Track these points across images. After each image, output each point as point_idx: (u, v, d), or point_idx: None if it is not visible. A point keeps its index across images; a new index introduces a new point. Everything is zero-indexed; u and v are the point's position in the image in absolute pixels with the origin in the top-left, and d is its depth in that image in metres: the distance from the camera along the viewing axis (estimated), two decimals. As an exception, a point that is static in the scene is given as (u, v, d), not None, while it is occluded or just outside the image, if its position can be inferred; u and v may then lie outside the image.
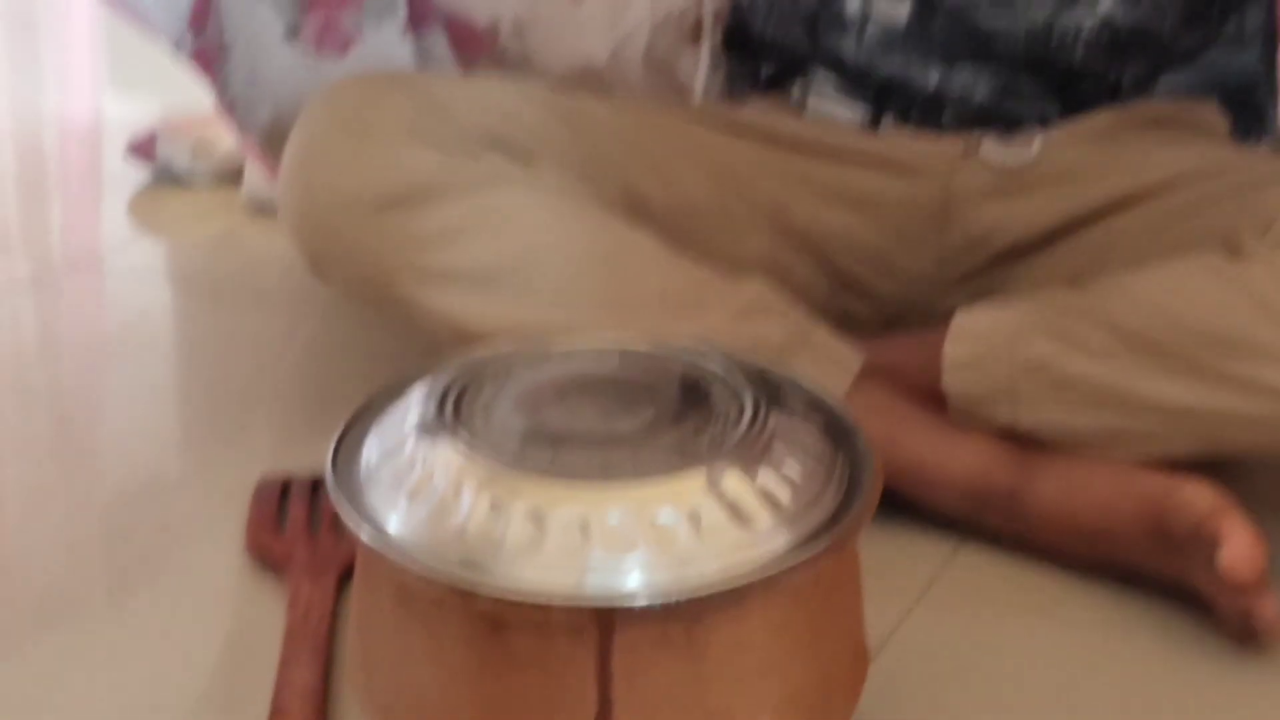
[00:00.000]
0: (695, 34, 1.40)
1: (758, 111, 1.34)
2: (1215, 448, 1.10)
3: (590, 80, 1.41)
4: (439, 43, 1.44)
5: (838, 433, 0.88)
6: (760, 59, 1.36)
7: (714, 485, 0.80)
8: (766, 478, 0.82)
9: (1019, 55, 1.25)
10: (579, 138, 1.23)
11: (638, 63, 1.40)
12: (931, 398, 1.15)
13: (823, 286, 1.28)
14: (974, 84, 1.26)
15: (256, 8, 1.37)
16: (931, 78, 1.27)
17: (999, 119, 1.27)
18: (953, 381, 1.14)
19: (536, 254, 1.15)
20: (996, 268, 1.26)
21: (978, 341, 1.13)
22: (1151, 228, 1.20)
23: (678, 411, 0.86)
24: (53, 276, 1.59)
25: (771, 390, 0.88)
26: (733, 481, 0.81)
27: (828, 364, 1.15)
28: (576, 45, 1.41)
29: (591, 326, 1.07)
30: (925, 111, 1.28)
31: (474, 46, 1.44)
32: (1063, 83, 1.26)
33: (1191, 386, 1.07)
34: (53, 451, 1.31)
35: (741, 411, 0.86)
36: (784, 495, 0.81)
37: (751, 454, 0.83)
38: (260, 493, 1.18)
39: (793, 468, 0.83)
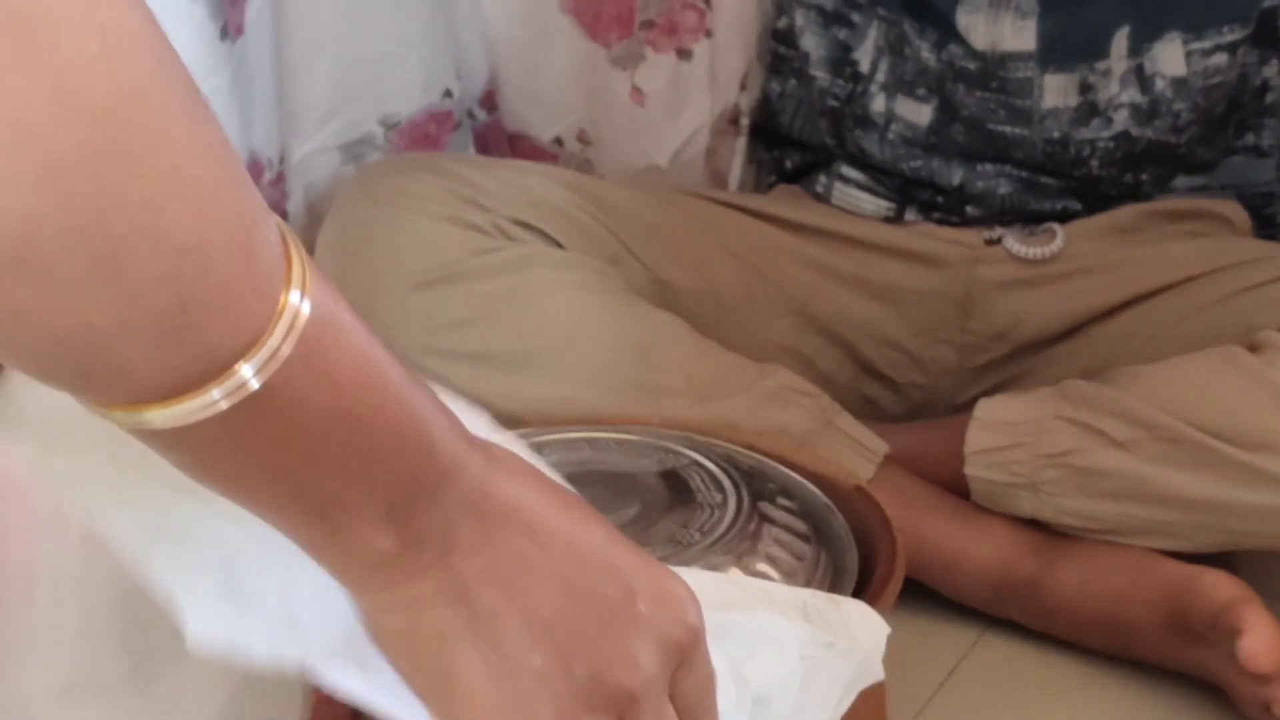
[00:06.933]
0: (733, 125, 1.41)
1: (783, 199, 1.35)
2: (1235, 540, 1.10)
3: (651, 180, 1.43)
4: None
5: (809, 512, 0.89)
6: (786, 149, 1.37)
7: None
8: (761, 562, 0.83)
9: (1038, 161, 1.26)
10: (607, 222, 1.25)
11: (699, 160, 1.42)
12: (953, 485, 1.16)
13: (847, 373, 1.29)
14: (996, 182, 1.28)
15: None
16: (955, 175, 1.28)
17: (1022, 215, 1.28)
18: (976, 470, 1.14)
19: (564, 336, 1.16)
20: (1018, 358, 1.27)
21: (1001, 431, 1.14)
22: (1172, 320, 1.21)
23: (664, 502, 0.87)
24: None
25: (747, 476, 0.89)
26: (732, 569, 0.82)
27: (852, 450, 1.15)
28: (639, 148, 1.43)
29: (617, 409, 1.08)
30: (948, 206, 1.29)
31: (539, 160, 1.46)
32: (1083, 184, 1.28)
33: (1211, 479, 1.08)
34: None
35: (725, 499, 0.86)
36: (779, 578, 0.82)
37: (744, 542, 0.84)
38: (289, 571, 1.19)
39: (783, 550, 0.84)
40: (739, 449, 0.94)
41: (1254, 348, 1.12)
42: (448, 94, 1.42)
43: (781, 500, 0.88)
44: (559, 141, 1.45)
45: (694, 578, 0.70)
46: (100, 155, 0.43)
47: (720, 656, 0.65)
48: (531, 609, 0.57)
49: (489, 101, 1.46)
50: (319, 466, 0.52)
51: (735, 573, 0.81)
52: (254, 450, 0.50)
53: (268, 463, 0.51)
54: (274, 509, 0.53)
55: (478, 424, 0.60)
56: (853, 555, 0.86)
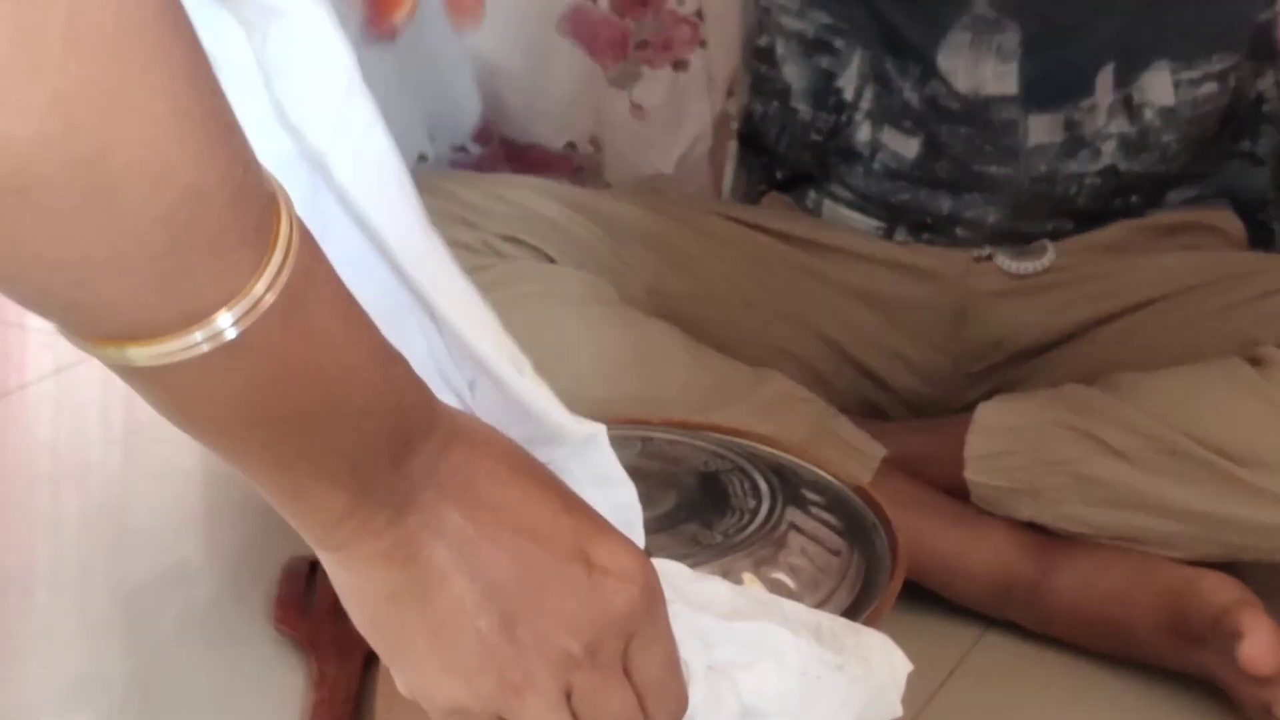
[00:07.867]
0: (726, 130, 1.42)
1: (775, 211, 1.35)
2: (1232, 552, 1.10)
3: (658, 184, 1.43)
4: None
5: (854, 529, 0.89)
6: (774, 163, 1.37)
7: (727, 578, 0.81)
8: (780, 571, 0.82)
9: (1025, 195, 1.26)
10: (600, 233, 1.25)
11: (704, 162, 1.42)
12: (952, 487, 1.16)
13: (844, 377, 1.29)
14: (985, 211, 1.27)
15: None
16: (943, 205, 1.28)
17: (1012, 236, 1.28)
18: (976, 474, 1.14)
19: (556, 349, 1.15)
20: (1015, 364, 1.26)
21: (1000, 436, 1.14)
22: (1168, 330, 1.20)
23: (696, 503, 0.87)
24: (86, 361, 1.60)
25: (788, 484, 0.89)
26: (746, 574, 0.81)
27: (851, 455, 1.15)
28: (644, 157, 1.42)
29: (615, 419, 1.08)
30: (938, 228, 1.29)
31: (551, 170, 1.46)
32: (1073, 210, 1.27)
33: (1209, 493, 1.07)
34: (82, 533, 1.31)
35: (759, 505, 0.86)
36: (796, 588, 0.82)
37: (766, 548, 0.83)
38: (288, 572, 1.19)
39: (807, 562, 0.83)
40: (787, 456, 0.94)
41: (1255, 362, 1.11)
42: (422, 158, 1.42)
43: (820, 513, 0.88)
44: (572, 146, 1.45)
45: (706, 585, 0.70)
46: (108, 90, 0.43)
47: (699, 654, 0.65)
48: (479, 574, 0.58)
49: (483, 135, 1.46)
50: (291, 418, 0.53)
51: (750, 578, 0.81)
52: (230, 396, 0.51)
53: (242, 410, 0.52)
54: (243, 456, 0.54)
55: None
56: (885, 575, 0.85)
